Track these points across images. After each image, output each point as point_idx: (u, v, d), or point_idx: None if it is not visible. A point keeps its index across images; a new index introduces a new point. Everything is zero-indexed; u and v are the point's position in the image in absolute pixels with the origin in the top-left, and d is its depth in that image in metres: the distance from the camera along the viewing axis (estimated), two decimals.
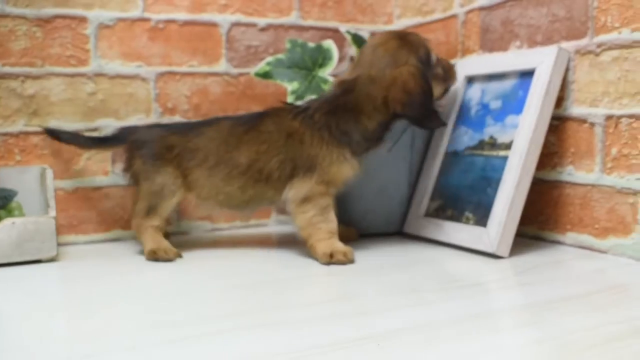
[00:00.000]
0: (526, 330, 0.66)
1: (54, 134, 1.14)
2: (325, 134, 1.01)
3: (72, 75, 1.17)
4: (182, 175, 1.08)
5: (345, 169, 1.02)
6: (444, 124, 1.06)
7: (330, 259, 0.98)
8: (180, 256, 1.05)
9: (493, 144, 1.06)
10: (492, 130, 1.07)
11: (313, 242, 1.01)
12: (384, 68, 1.01)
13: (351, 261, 0.98)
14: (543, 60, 1.01)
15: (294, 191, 1.02)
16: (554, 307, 0.72)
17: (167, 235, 1.12)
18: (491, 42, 1.16)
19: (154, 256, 1.04)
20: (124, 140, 1.12)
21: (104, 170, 1.20)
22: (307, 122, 1.02)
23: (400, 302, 0.76)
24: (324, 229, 1.01)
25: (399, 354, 0.59)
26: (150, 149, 1.09)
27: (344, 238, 1.05)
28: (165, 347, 0.62)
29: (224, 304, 0.77)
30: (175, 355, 0.60)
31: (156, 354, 0.60)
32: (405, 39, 1.04)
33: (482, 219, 1.02)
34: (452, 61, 1.24)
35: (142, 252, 1.08)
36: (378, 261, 0.98)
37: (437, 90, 1.07)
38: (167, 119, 1.23)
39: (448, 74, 1.09)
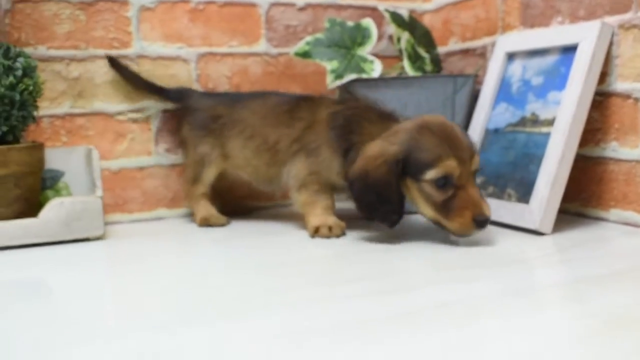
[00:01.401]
0: (570, 305, 0.66)
1: (116, 65, 1.18)
2: (332, 134, 1.02)
3: (116, 57, 1.18)
4: (221, 145, 1.14)
5: (332, 174, 1.02)
6: (389, 225, 0.95)
7: (315, 233, 1.01)
8: (228, 223, 1.15)
9: (535, 121, 1.05)
10: (534, 106, 1.07)
11: (307, 218, 1.04)
12: (381, 133, 0.97)
13: (337, 235, 1.01)
14: (586, 36, 1.00)
15: (292, 178, 1.05)
16: (598, 283, 0.72)
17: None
18: (532, 18, 1.15)
19: (206, 222, 1.13)
20: (178, 100, 1.19)
21: (148, 151, 1.22)
22: (332, 116, 1.03)
23: (443, 278, 0.77)
24: (318, 206, 1.04)
25: (443, 327, 0.60)
26: (198, 117, 1.15)
27: None
28: (205, 325, 0.64)
29: (252, 284, 0.79)
30: (215, 332, 0.61)
31: (196, 331, 0.62)
32: (429, 131, 0.92)
33: (524, 196, 1.01)
34: (493, 38, 1.23)
35: (186, 230, 1.10)
36: (420, 238, 0.98)
37: (424, 208, 0.93)
38: None
39: (451, 207, 0.91)
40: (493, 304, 0.67)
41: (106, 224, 1.18)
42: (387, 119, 1.00)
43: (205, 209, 1.15)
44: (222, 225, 1.13)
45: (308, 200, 1.04)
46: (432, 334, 0.58)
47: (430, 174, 0.90)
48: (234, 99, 1.15)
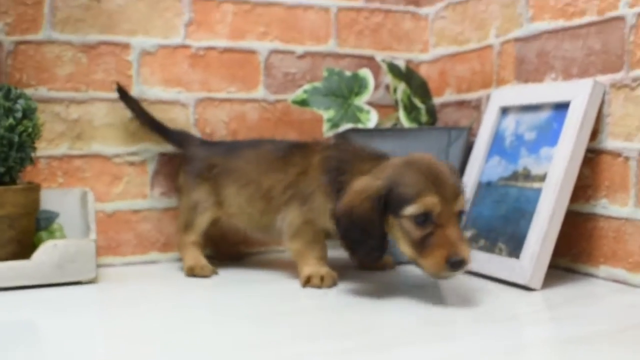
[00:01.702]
0: None
1: (124, 97, 1.19)
2: (325, 179, 1.02)
3: (115, 101, 1.20)
4: (216, 194, 1.14)
5: (326, 219, 1.01)
6: (371, 261, 0.97)
7: (307, 282, 1.02)
8: (216, 273, 1.11)
9: (527, 176, 1.06)
10: (526, 161, 1.08)
11: (300, 267, 1.05)
12: (372, 169, 0.97)
13: (328, 286, 1.01)
14: (578, 94, 1.02)
15: (286, 226, 1.05)
16: (586, 343, 0.72)
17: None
18: (526, 73, 1.17)
19: (192, 272, 1.11)
20: (178, 145, 1.21)
21: (143, 194, 1.23)
22: (325, 161, 1.03)
23: (430, 334, 0.77)
24: (311, 256, 1.04)
25: None
26: (193, 167, 1.16)
27: (380, 267, 1.09)
28: None
29: (241, 336, 0.79)
30: None
31: None
32: (414, 167, 0.92)
33: (515, 251, 1.02)
34: (488, 91, 1.25)
35: (177, 275, 1.11)
36: (411, 291, 0.99)
37: (403, 245, 0.92)
38: None
39: (427, 246, 0.89)
40: None
41: (99, 266, 1.18)
42: (379, 157, 1.00)
43: (193, 257, 1.13)
44: (207, 276, 1.10)
45: (301, 250, 1.04)
46: None
47: (410, 210, 0.89)
48: (229, 148, 1.16)
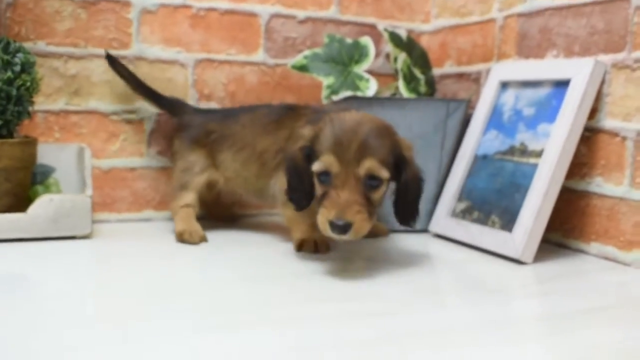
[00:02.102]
0: (545, 341, 0.67)
1: (114, 64, 1.17)
2: None
3: (114, 56, 1.19)
4: (212, 158, 1.14)
5: None
6: (297, 208, 0.95)
7: (300, 247, 1.02)
8: (205, 240, 1.08)
9: (524, 151, 1.07)
10: (523, 136, 1.08)
11: (293, 233, 1.05)
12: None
13: (322, 252, 1.01)
14: (579, 72, 1.02)
15: (279, 193, 1.05)
16: (575, 319, 0.73)
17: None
18: (528, 49, 1.17)
19: (181, 237, 1.07)
20: (171, 112, 1.20)
21: (140, 152, 1.23)
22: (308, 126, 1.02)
23: (420, 303, 0.78)
24: (304, 222, 1.04)
25: (415, 356, 0.61)
26: (189, 133, 1.16)
27: (373, 234, 1.09)
28: (181, 335, 0.65)
29: (231, 296, 0.79)
30: (191, 343, 0.62)
31: (172, 342, 0.63)
32: (334, 124, 0.91)
33: (508, 224, 1.03)
34: (488, 65, 1.25)
35: (171, 234, 1.11)
36: (400, 260, 1.00)
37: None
38: (203, 105, 1.25)
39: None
40: (468, 333, 0.68)
41: (94, 222, 1.18)
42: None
43: (185, 222, 1.10)
44: (195, 243, 1.06)
45: (293, 215, 1.04)
46: None
47: (315, 166, 0.90)
48: (225, 114, 1.16)
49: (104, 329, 0.65)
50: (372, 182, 0.88)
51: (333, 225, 0.85)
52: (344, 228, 0.85)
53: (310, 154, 0.92)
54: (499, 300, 0.80)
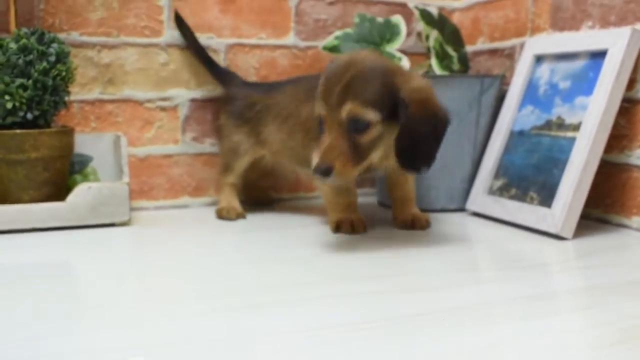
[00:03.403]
0: (586, 313, 0.66)
1: (180, 24, 1.20)
2: None
3: (146, 46, 1.20)
4: (256, 134, 1.15)
5: None
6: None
7: (337, 229, 1.02)
8: (243, 217, 1.13)
9: (561, 125, 1.05)
10: (560, 110, 1.06)
11: (330, 213, 1.05)
12: None
13: (358, 232, 1.01)
14: (616, 42, 1.00)
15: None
16: (616, 292, 0.72)
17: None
18: (562, 21, 1.14)
19: (220, 214, 1.13)
20: (222, 82, 1.22)
21: (175, 139, 1.23)
22: None
23: (459, 279, 0.78)
24: (340, 202, 1.03)
25: (458, 330, 0.61)
26: (235, 106, 1.17)
27: (410, 226, 1.06)
28: (221, 316, 0.65)
29: (269, 277, 0.79)
30: (233, 323, 0.63)
31: (212, 321, 0.63)
32: (328, 68, 0.92)
33: (546, 200, 1.02)
34: (521, 39, 1.23)
35: (208, 219, 1.12)
36: (439, 237, 0.99)
37: None
38: None
39: None
40: (509, 307, 0.67)
41: (131, 209, 1.20)
42: None
43: (226, 199, 1.16)
44: (231, 219, 1.12)
45: (329, 195, 1.04)
46: (447, 336, 0.59)
47: (315, 110, 0.91)
48: (269, 87, 1.17)
49: (143, 311, 0.66)
50: (357, 125, 0.87)
51: (315, 170, 0.85)
52: (325, 172, 0.85)
53: None
54: (538, 275, 0.79)
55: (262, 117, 1.14)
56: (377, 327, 0.61)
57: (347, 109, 0.87)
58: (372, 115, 0.87)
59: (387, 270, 0.81)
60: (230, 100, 1.19)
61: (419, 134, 0.88)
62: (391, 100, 0.88)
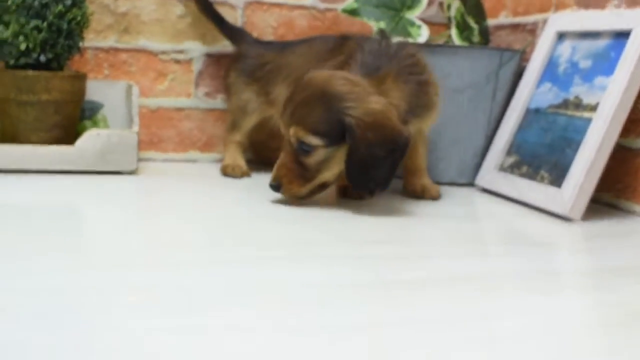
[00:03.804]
0: (591, 293, 0.66)
1: None
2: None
3: None
4: (265, 93, 1.14)
5: None
6: None
7: (344, 194, 1.01)
8: (248, 175, 1.13)
9: (578, 104, 1.04)
10: (578, 89, 1.05)
11: None
12: None
13: (365, 197, 1.00)
14: None
15: None
16: (622, 275, 0.71)
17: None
18: None
19: (225, 171, 1.13)
20: (232, 39, 1.19)
21: (187, 92, 1.23)
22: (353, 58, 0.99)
23: (461, 250, 0.77)
24: None
25: (455, 301, 0.60)
26: (246, 64, 1.15)
27: (420, 195, 1.06)
28: (212, 266, 0.65)
29: (272, 233, 0.79)
30: (233, 275, 0.62)
31: (214, 272, 0.63)
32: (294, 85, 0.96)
33: (557, 180, 1.00)
34: (545, 15, 1.21)
35: (215, 174, 1.12)
36: (446, 209, 0.98)
37: None
38: None
39: None
40: (509, 281, 0.67)
41: (140, 160, 1.19)
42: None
43: (232, 157, 1.15)
44: (236, 177, 1.12)
45: None
46: (446, 305, 0.58)
47: None
48: (281, 46, 1.16)
49: (146, 255, 0.66)
50: (302, 146, 0.90)
51: (269, 184, 0.92)
52: (275, 188, 0.92)
53: None
54: (542, 253, 0.79)
55: (273, 76, 1.12)
56: (372, 288, 0.61)
57: (292, 131, 0.90)
58: (314, 140, 0.89)
59: (392, 236, 0.81)
60: (241, 58, 1.17)
61: (369, 157, 0.88)
62: (339, 125, 0.88)
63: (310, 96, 0.89)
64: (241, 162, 1.15)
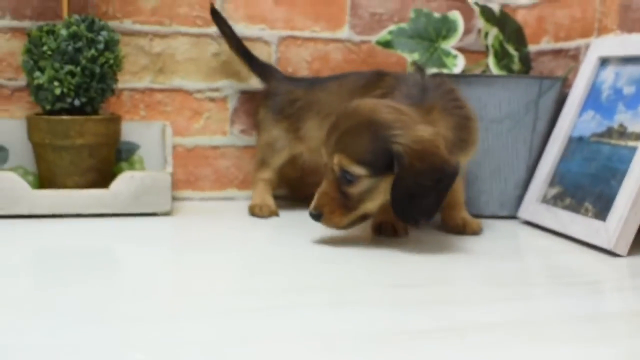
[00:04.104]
0: (634, 341, 0.61)
1: (217, 17, 1.17)
2: None
3: (198, 36, 1.19)
4: (295, 130, 1.12)
5: None
6: None
7: (378, 231, 0.99)
8: (276, 214, 1.11)
9: (622, 133, 0.99)
10: (622, 117, 1.00)
11: None
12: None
13: (400, 235, 0.98)
14: None
15: None
16: None
17: None
18: (632, 22, 1.07)
19: (252, 211, 1.11)
20: (262, 77, 1.18)
21: (223, 130, 1.23)
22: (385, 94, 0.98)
23: (501, 293, 0.74)
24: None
25: (490, 352, 0.57)
26: (275, 102, 1.14)
27: (460, 231, 1.03)
28: (240, 315, 0.63)
29: (302, 277, 0.78)
30: (263, 323, 0.61)
31: (227, 321, 0.62)
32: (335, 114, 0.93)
33: (602, 212, 0.95)
34: (587, 40, 1.17)
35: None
36: (486, 245, 0.94)
37: None
38: None
39: None
40: (552, 328, 0.63)
41: (177, 199, 1.20)
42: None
43: (260, 196, 1.13)
44: (264, 217, 1.09)
45: None
46: (477, 355, 0.55)
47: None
48: (312, 82, 1.14)
49: (175, 304, 0.65)
50: (347, 176, 0.88)
51: (309, 213, 0.90)
52: (316, 217, 0.90)
53: None
54: (586, 293, 0.74)
55: (303, 113, 1.11)
56: (403, 338, 0.58)
57: (336, 160, 0.88)
58: (358, 169, 0.87)
59: (424, 278, 0.78)
60: (271, 95, 1.16)
61: (416, 186, 0.86)
62: (385, 153, 0.86)
63: (356, 124, 0.87)
64: (270, 201, 1.13)
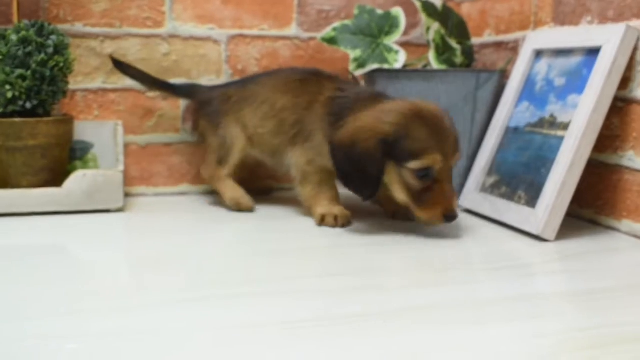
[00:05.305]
0: (566, 319, 0.65)
1: (121, 67, 1.18)
2: (326, 120, 1.02)
3: (148, 37, 1.22)
4: (236, 120, 1.14)
5: (325, 159, 1.01)
6: (363, 198, 0.98)
7: (322, 221, 1.03)
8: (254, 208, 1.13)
9: (553, 123, 1.03)
10: (553, 108, 1.04)
11: (314, 208, 1.05)
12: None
13: (342, 225, 1.02)
14: (609, 39, 0.97)
15: (294, 169, 1.07)
16: (599, 298, 0.71)
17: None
18: (564, 15, 1.12)
19: (238, 206, 1.13)
20: (188, 96, 1.21)
21: (175, 128, 1.26)
22: (331, 101, 1.03)
23: (436, 278, 0.78)
24: (323, 197, 1.05)
25: (415, 333, 0.61)
26: (212, 107, 1.16)
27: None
28: (191, 305, 0.67)
29: (247, 270, 0.81)
30: (216, 313, 0.64)
31: (183, 312, 0.65)
32: (422, 121, 0.95)
33: (532, 200, 1.00)
34: (525, 33, 1.21)
35: (203, 207, 1.15)
36: (422, 235, 0.99)
37: (398, 192, 0.97)
38: None
39: None
40: (487, 308, 0.68)
41: (132, 195, 1.23)
42: (378, 98, 1.01)
43: (233, 189, 1.14)
44: (250, 211, 1.12)
45: (312, 193, 1.05)
46: (412, 336, 0.60)
47: (414, 164, 0.93)
48: (243, 81, 1.18)
49: (132, 297, 0.69)
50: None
51: (447, 218, 0.94)
52: (454, 218, 0.95)
53: (392, 149, 0.93)
54: (518, 277, 0.79)
55: (240, 107, 1.14)
56: (340, 323, 0.62)
57: (457, 158, 0.97)
58: None
59: (364, 267, 0.83)
60: (204, 104, 1.17)
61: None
62: None
63: (449, 123, 0.96)
64: (244, 193, 1.14)
